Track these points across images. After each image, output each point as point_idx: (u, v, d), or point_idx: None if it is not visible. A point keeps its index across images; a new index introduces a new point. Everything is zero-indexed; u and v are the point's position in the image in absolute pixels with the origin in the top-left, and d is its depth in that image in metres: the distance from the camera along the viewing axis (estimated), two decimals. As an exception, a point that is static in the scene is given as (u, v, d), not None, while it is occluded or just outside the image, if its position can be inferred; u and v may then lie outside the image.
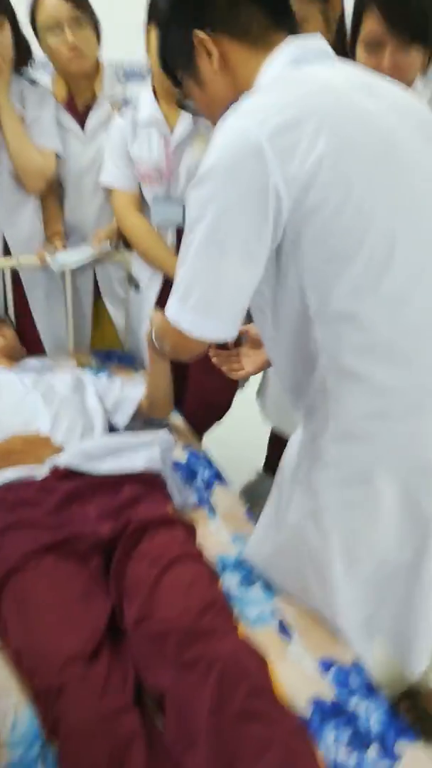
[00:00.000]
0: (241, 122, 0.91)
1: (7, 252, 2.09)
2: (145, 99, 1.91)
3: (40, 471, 1.37)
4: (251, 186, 0.90)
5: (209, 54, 1.01)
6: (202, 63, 1.03)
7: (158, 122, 1.88)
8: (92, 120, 2.08)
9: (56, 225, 2.17)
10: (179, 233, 1.94)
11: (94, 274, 2.27)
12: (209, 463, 1.71)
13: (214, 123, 1.08)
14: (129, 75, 2.21)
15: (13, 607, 1.08)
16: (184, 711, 0.93)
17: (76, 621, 1.03)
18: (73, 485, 1.31)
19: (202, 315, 0.99)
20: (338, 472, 1.08)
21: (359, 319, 0.97)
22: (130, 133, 1.93)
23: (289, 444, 1.23)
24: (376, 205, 0.93)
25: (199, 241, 0.96)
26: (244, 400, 2.18)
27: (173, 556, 1.15)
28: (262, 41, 1.01)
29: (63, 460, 1.37)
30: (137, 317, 2.18)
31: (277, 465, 1.26)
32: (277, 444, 2.13)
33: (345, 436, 1.06)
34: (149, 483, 1.36)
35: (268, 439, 2.24)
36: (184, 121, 1.86)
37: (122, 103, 2.00)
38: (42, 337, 2.23)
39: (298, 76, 0.98)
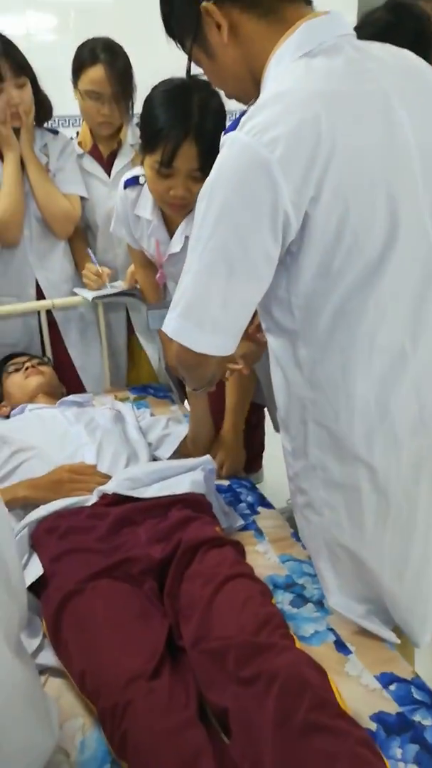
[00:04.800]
0: (248, 142, 0.89)
1: (40, 295, 2.16)
2: (148, 195, 1.75)
3: (88, 499, 1.38)
4: (261, 207, 0.89)
5: (218, 25, 0.96)
6: (211, 34, 0.98)
7: (156, 229, 1.79)
8: (117, 166, 2.16)
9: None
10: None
11: (127, 313, 2.33)
12: (252, 487, 1.71)
13: (227, 95, 1.08)
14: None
15: (73, 630, 1.08)
16: (249, 726, 0.92)
17: (137, 640, 1.03)
18: (123, 510, 1.32)
19: (205, 331, 0.97)
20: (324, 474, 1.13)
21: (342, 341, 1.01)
22: (131, 214, 1.85)
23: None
24: (370, 230, 0.94)
25: (205, 258, 0.94)
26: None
27: (226, 574, 1.14)
28: (274, 14, 0.94)
29: (110, 486, 1.39)
30: (171, 350, 2.21)
31: None
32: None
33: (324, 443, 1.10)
34: (196, 506, 1.36)
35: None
36: (183, 234, 1.73)
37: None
38: (80, 374, 2.27)
39: (307, 80, 0.92)
